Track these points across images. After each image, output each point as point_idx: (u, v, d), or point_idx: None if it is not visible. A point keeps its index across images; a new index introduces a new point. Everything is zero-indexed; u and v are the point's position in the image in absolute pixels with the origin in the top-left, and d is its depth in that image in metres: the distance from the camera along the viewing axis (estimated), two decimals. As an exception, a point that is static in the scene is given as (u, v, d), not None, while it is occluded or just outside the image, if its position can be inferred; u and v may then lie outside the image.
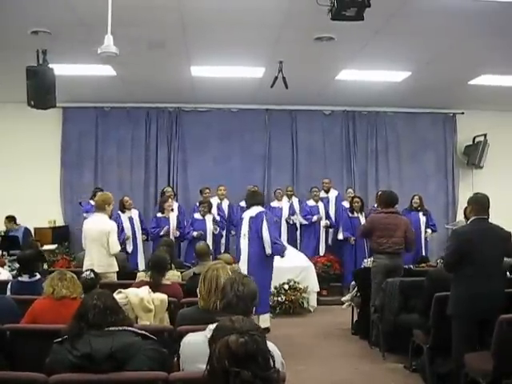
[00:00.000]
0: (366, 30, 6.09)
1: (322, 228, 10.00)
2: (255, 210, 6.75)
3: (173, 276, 5.51)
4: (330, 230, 10.15)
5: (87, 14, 5.68)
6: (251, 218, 6.67)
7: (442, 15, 5.75)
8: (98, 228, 6.21)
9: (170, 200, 9.29)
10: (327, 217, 10.02)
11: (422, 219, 9.72)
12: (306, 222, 9.90)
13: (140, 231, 9.36)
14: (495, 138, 10.68)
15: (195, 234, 9.05)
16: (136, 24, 6.06)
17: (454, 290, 4.53)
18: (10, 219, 9.38)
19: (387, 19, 5.89)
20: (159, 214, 9.25)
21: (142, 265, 8.88)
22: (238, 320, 2.08)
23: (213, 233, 9.19)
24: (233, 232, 9.40)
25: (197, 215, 9.32)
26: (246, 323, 2.06)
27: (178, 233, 9.13)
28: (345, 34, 6.31)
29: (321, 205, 10.02)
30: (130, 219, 9.19)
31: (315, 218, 9.85)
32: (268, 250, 6.61)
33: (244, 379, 1.88)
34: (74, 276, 4.10)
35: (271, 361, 2.00)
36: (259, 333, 2.03)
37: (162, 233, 8.92)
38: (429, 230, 9.78)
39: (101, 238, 6.15)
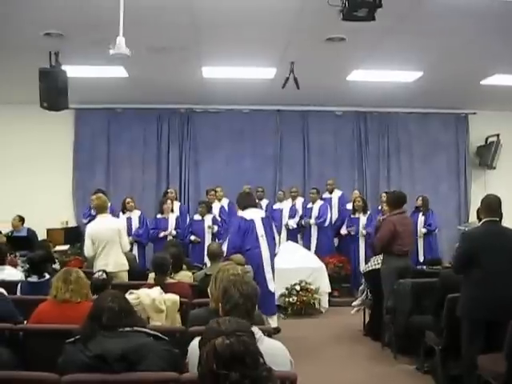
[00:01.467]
0: (377, 31, 6.06)
1: (313, 229, 9.80)
2: (259, 211, 6.86)
3: (184, 276, 5.49)
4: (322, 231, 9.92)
5: (99, 15, 5.70)
6: (263, 218, 6.70)
7: (454, 15, 5.72)
8: (110, 228, 6.26)
9: (168, 201, 9.32)
10: (319, 217, 9.76)
11: (421, 219, 9.60)
12: (294, 226, 9.84)
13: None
14: (508, 138, 10.60)
15: (192, 238, 9.14)
16: (148, 25, 6.08)
17: (463, 292, 4.52)
18: (20, 219, 9.44)
19: (398, 19, 5.87)
20: (159, 215, 9.32)
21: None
22: (223, 322, 2.09)
23: (212, 232, 9.17)
24: None
25: (196, 216, 9.37)
26: (232, 324, 2.06)
27: (174, 232, 9.11)
28: (356, 35, 6.30)
29: (315, 206, 9.83)
30: (128, 220, 9.08)
31: (291, 222, 9.81)
32: (277, 249, 6.79)
33: (233, 381, 1.87)
34: (81, 275, 3.90)
35: (261, 359, 1.99)
36: (248, 332, 2.02)
37: (161, 235, 8.98)
38: (423, 230, 9.56)
39: (114, 237, 6.22)
